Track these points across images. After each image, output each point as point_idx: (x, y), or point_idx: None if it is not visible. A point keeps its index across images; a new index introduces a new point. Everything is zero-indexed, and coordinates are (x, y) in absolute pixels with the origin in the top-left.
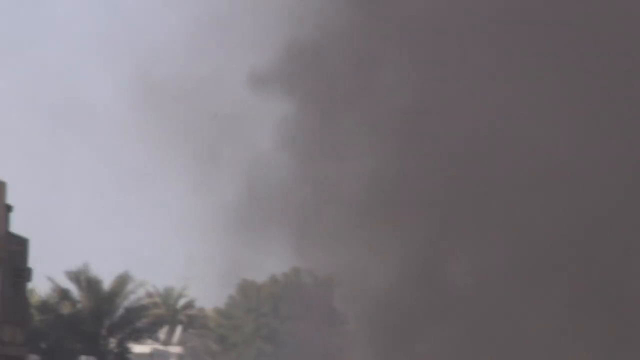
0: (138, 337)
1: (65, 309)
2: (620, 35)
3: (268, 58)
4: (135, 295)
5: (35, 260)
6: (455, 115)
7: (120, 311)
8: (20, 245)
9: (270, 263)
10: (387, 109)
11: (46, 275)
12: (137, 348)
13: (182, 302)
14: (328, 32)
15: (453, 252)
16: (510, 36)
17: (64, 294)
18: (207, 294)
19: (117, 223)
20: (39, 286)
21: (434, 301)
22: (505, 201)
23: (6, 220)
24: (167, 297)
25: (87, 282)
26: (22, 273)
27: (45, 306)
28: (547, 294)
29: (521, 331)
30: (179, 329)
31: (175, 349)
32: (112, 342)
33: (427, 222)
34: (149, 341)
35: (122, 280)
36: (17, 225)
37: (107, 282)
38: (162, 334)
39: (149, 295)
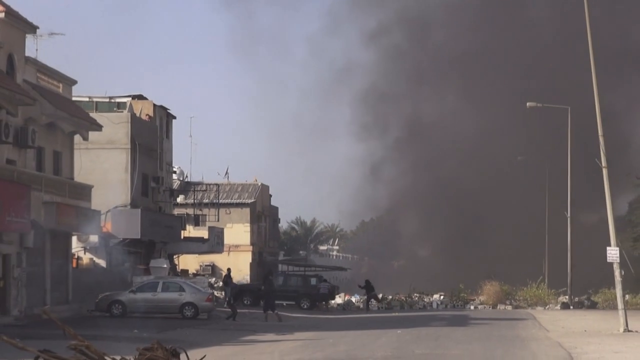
0: (321, 243)
1: (292, 233)
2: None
3: None
4: (319, 227)
5: (281, 214)
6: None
7: (314, 233)
8: (274, 209)
9: (368, 212)
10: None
11: (285, 220)
12: (320, 248)
13: (337, 228)
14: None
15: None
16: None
17: (291, 227)
18: (348, 224)
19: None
20: (283, 225)
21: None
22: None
23: (269, 200)
24: (332, 227)
25: (300, 222)
26: (276, 220)
27: (285, 233)
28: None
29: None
30: (337, 240)
31: (335, 247)
32: (311, 246)
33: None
34: (325, 245)
35: (313, 221)
36: (273, 200)
37: (308, 222)
38: (329, 242)
39: (325, 226)
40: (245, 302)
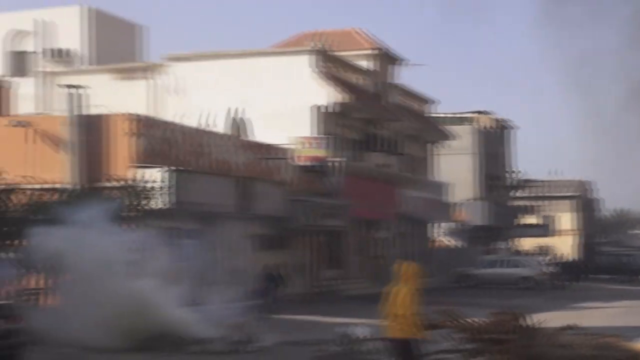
0: (635, 228)
1: (610, 219)
2: None
3: None
4: (633, 214)
5: (600, 204)
6: None
7: (628, 220)
8: (595, 200)
9: None
10: None
11: (604, 209)
12: (634, 232)
13: None
14: None
15: None
16: None
17: (609, 215)
18: None
19: None
20: (602, 213)
21: None
22: None
23: (591, 193)
24: None
25: (617, 210)
26: (596, 209)
27: (604, 219)
28: None
29: None
30: None
31: None
32: (626, 230)
33: None
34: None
35: (628, 210)
36: (594, 193)
37: (623, 210)
38: None
39: (638, 213)
40: (573, 275)
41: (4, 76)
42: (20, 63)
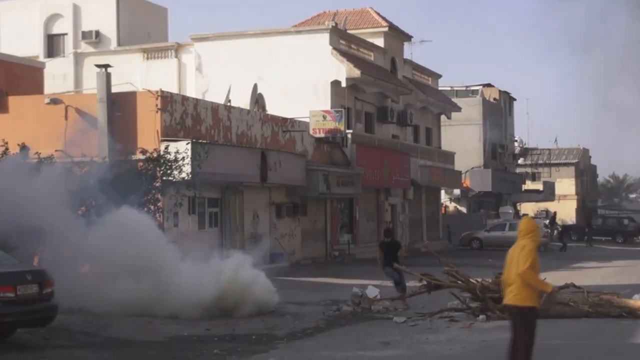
0: (631, 192)
1: (607, 185)
2: None
3: None
4: (630, 179)
5: (598, 170)
6: None
7: (625, 185)
8: (593, 167)
9: None
10: None
11: (602, 175)
12: (631, 196)
13: None
14: None
15: None
16: None
17: (607, 180)
18: None
19: None
20: (600, 178)
21: None
22: None
23: (589, 160)
24: None
25: (614, 176)
26: (595, 175)
27: (602, 185)
28: None
29: None
30: None
31: None
32: (623, 194)
33: None
34: (635, 193)
35: (625, 175)
36: (592, 160)
37: (620, 176)
38: (638, 191)
39: (634, 179)
40: (572, 238)
41: (37, 57)
42: (53, 45)
